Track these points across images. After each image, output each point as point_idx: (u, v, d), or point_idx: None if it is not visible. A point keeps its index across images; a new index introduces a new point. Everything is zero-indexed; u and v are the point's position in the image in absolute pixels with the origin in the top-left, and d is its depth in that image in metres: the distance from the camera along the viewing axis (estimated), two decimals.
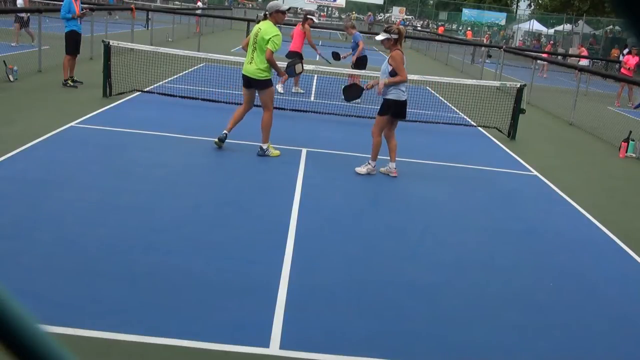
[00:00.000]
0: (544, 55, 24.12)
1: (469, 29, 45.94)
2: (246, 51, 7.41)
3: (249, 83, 7.30)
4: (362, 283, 4.36)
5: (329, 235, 5.25)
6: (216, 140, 7.48)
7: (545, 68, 24.79)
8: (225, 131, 7.48)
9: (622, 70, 18.88)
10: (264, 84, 7.24)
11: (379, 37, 7.07)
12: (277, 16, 7.25)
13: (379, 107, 7.14)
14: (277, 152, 7.50)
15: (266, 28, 7.14)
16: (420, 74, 12.02)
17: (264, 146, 7.38)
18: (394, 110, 6.97)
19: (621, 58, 23.73)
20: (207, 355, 3.29)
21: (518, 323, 4.04)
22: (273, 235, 5.04)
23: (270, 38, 7.04)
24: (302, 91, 12.72)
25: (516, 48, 30.55)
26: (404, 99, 6.99)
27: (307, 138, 8.68)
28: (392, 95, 6.93)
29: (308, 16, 12.72)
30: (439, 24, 53.83)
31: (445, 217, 6.09)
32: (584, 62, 22.84)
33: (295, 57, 11.00)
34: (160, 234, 4.85)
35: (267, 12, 7.31)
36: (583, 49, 26.01)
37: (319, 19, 41.80)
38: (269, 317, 3.72)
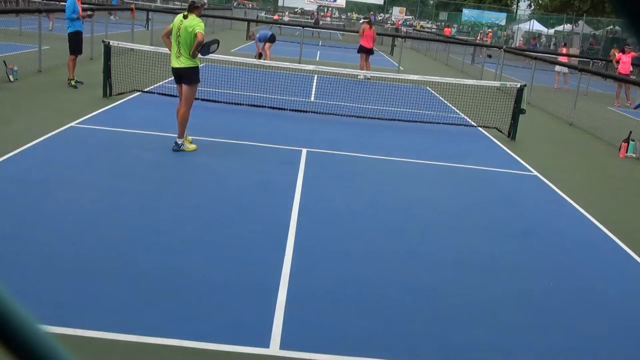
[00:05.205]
0: (563, 59, 19.99)
1: (489, 31, 45.46)
2: (167, 44, 7.35)
3: (180, 77, 7.31)
4: (362, 283, 4.36)
5: (329, 235, 5.24)
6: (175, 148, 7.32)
7: (566, 78, 19.44)
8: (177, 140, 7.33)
9: (619, 69, 18.83)
10: (192, 72, 7.21)
11: None
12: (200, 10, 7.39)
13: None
14: (193, 147, 7.43)
15: (189, 21, 7.18)
16: (421, 74, 12.01)
17: (179, 141, 7.31)
18: None
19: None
20: (207, 355, 3.29)
21: (518, 323, 4.04)
22: (273, 235, 5.04)
23: (193, 28, 7.10)
24: (362, 78, 15.57)
25: (516, 48, 30.56)
26: None
27: (307, 138, 8.68)
28: None
29: (371, 20, 17.56)
30: (441, 24, 53.77)
31: (445, 217, 6.08)
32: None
33: (367, 52, 15.84)
34: (160, 234, 4.85)
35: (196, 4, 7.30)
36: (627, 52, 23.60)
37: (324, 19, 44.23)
38: (269, 317, 3.72)
